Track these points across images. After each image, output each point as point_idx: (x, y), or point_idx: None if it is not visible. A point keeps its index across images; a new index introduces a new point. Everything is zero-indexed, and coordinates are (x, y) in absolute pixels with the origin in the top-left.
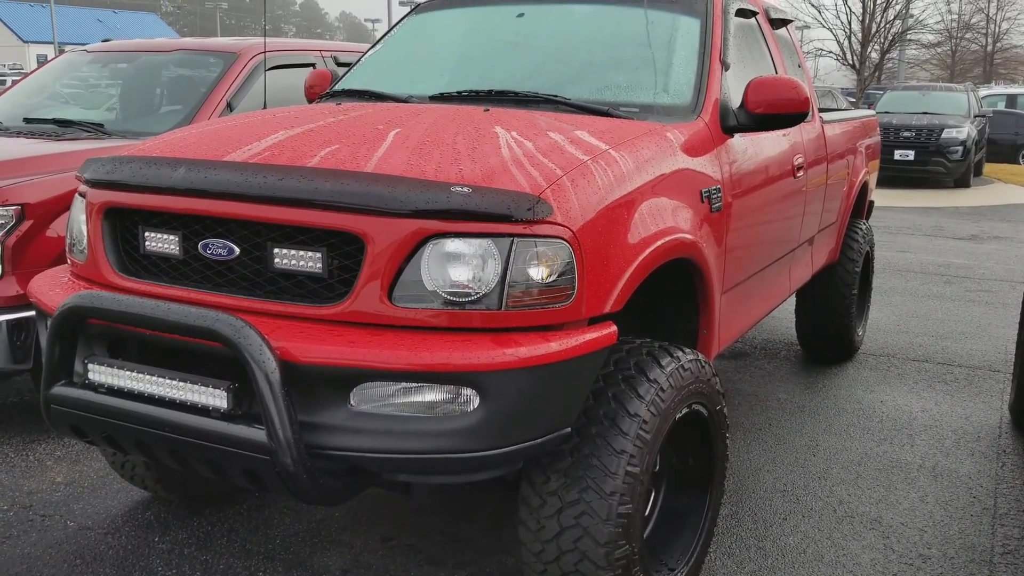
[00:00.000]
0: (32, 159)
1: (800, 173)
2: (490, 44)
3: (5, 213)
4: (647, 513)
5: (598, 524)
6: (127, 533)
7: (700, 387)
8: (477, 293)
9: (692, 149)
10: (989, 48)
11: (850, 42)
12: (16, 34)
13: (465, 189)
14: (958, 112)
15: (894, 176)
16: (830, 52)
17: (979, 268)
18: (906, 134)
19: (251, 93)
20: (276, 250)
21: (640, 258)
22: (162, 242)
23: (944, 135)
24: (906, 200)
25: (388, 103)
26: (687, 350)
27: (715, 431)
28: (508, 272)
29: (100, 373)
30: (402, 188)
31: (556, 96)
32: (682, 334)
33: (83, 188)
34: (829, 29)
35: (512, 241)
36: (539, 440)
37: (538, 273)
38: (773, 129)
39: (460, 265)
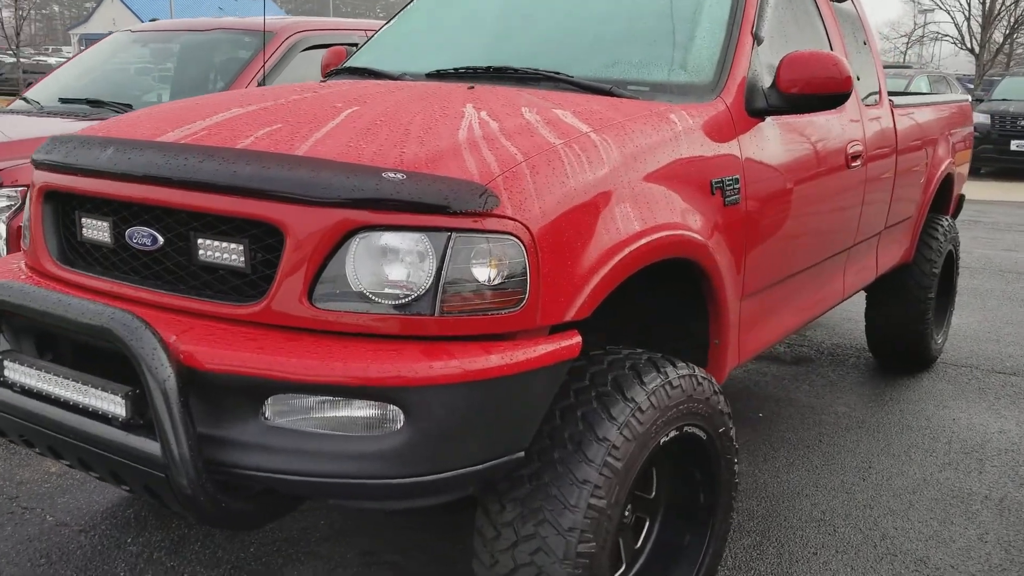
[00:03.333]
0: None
1: (856, 163)
2: (499, 19)
3: (12, 194)
4: (639, 545)
5: (554, 564)
6: (102, 532)
7: (695, 407)
8: (408, 295)
9: (703, 133)
10: None
11: (969, 25)
12: (136, 15)
13: (398, 175)
14: None
15: (1009, 168)
16: (946, 36)
17: None
18: None
19: (286, 72)
20: (199, 241)
21: (618, 258)
22: (96, 229)
23: None
24: (1020, 194)
25: (375, 81)
26: (680, 364)
27: (717, 456)
28: (443, 272)
29: (15, 371)
30: (326, 173)
31: (557, 73)
32: (694, 344)
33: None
34: (946, 11)
35: (449, 237)
36: (480, 466)
37: (481, 274)
38: (810, 112)
39: (390, 263)
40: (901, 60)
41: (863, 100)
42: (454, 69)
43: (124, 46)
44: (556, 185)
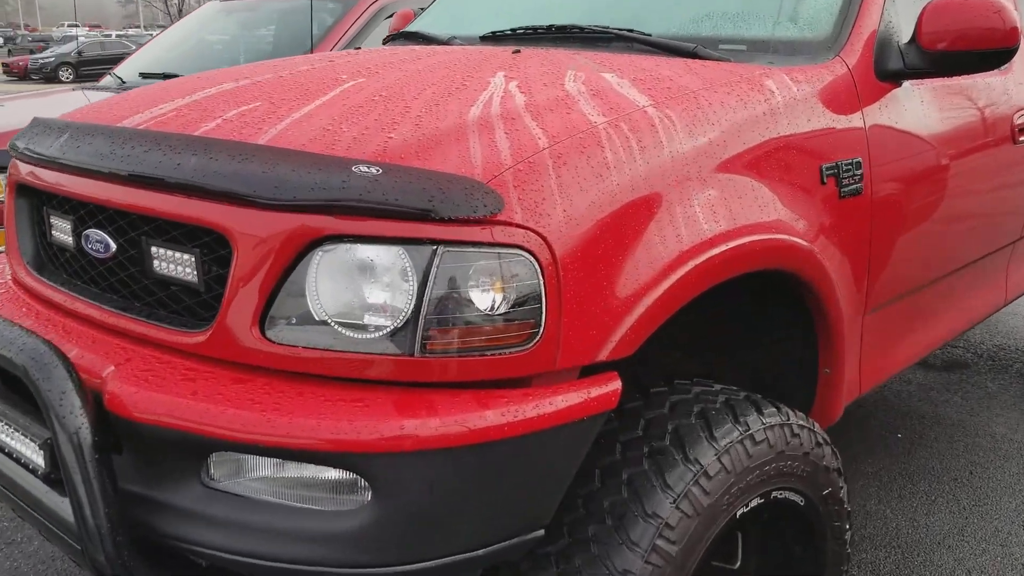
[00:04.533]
0: None
1: None
2: None
3: None
4: None
5: None
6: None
7: (788, 465)
8: (381, 328)
9: (812, 104)
10: None
11: None
12: None
13: (372, 170)
14: None
15: None
16: None
17: None
18: None
19: (371, 40)
20: (152, 249)
21: (678, 275)
22: (61, 230)
23: None
24: None
25: (413, 47)
26: (769, 408)
27: (821, 525)
28: (426, 298)
29: None
30: (283, 167)
31: (631, 31)
32: (796, 373)
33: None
34: None
35: (434, 251)
36: (479, 552)
37: (479, 301)
38: (961, 73)
39: (360, 284)
40: None
41: None
42: (511, 30)
43: (212, 17)
44: (590, 180)
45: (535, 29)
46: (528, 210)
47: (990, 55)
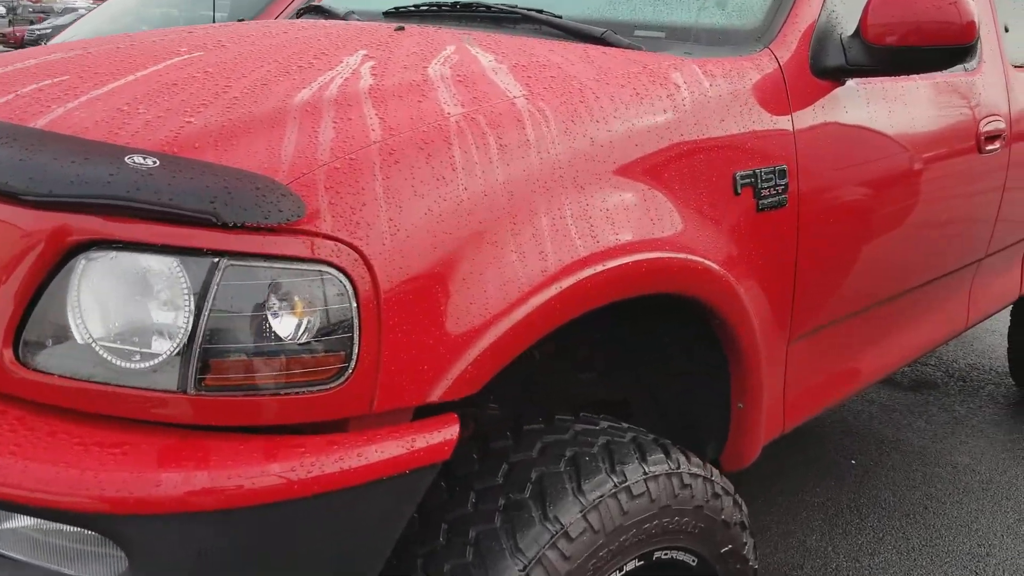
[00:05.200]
0: None
1: (995, 145)
2: None
3: None
4: None
5: None
6: None
7: (675, 522)
8: (153, 356)
9: (729, 103)
10: None
11: None
12: None
13: (148, 162)
14: None
15: None
16: None
17: None
18: None
19: None
20: None
21: (536, 302)
22: None
23: None
24: None
25: (303, 20)
26: (656, 453)
27: None
28: (202, 322)
29: None
30: (45, 156)
31: (540, 11)
32: (712, 406)
33: None
34: None
35: (215, 264)
36: None
37: (275, 327)
38: (911, 72)
39: (129, 301)
40: None
41: (1012, 60)
42: (415, 6)
43: None
44: (429, 184)
45: (439, 6)
46: (341, 218)
47: (945, 52)
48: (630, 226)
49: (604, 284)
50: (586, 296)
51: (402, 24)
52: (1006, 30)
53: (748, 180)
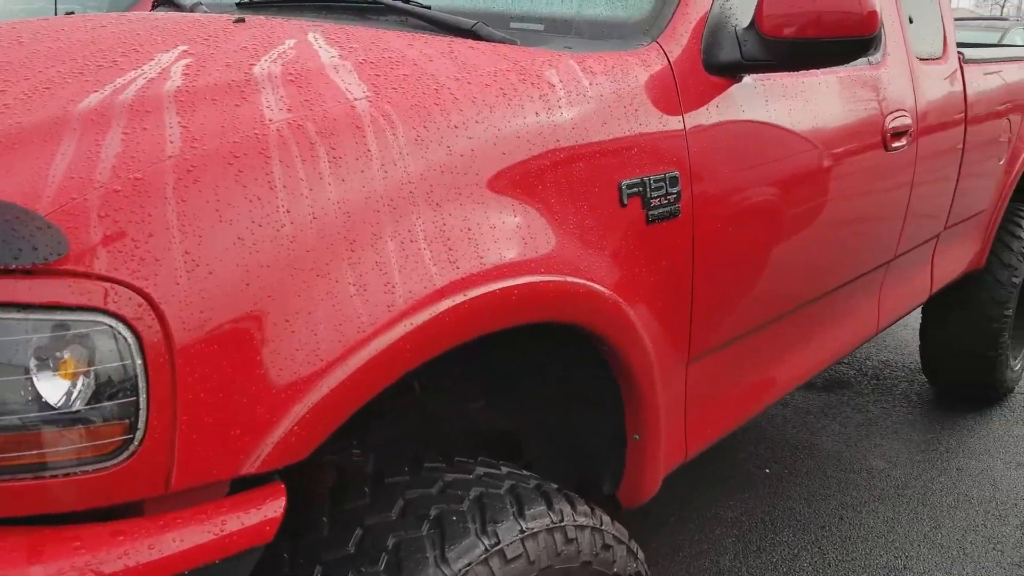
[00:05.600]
0: None
1: (901, 142)
2: None
3: None
4: None
5: None
6: None
7: None
8: None
9: (613, 102)
10: None
11: None
12: None
13: None
14: None
15: None
16: None
17: None
18: None
19: None
20: None
21: (379, 344)
22: None
23: None
24: None
25: (156, 13)
26: (537, 506)
27: None
28: None
29: None
30: None
31: (407, 1)
32: (608, 436)
33: None
34: None
35: None
36: None
37: (46, 391)
38: (812, 67)
39: None
40: (999, 13)
41: (917, 53)
42: None
43: None
44: (239, 207)
45: None
46: (120, 253)
47: (846, 45)
48: (498, 247)
49: (467, 317)
50: (445, 333)
51: (244, 16)
52: (910, 21)
53: (636, 189)
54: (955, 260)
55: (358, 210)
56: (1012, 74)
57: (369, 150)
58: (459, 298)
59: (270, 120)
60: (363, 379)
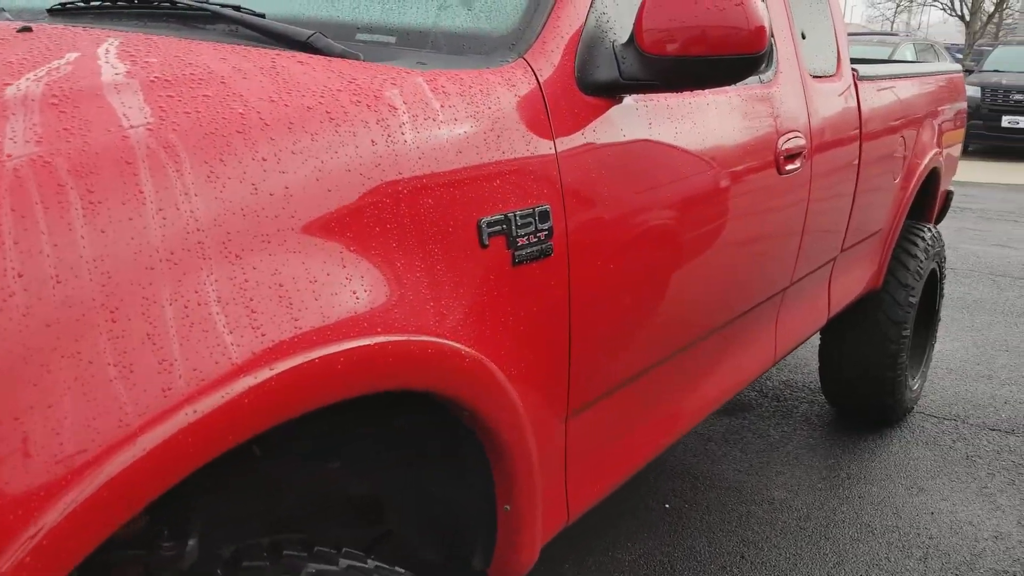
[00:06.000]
0: None
1: (795, 164)
2: None
3: None
4: None
5: None
6: None
7: None
8: None
9: (470, 127)
10: None
11: None
12: None
13: None
14: None
15: (1000, 147)
16: (935, 1)
17: None
18: (1018, 97)
19: None
20: None
21: (149, 441)
22: None
23: None
24: (1011, 176)
25: None
26: None
27: None
28: None
29: None
30: None
31: (237, 8)
32: (477, 506)
33: None
34: None
35: None
36: None
37: None
38: (697, 87)
39: None
40: (889, 28)
41: (811, 70)
42: (85, 2)
43: None
44: None
45: (115, 1)
46: None
47: (733, 63)
48: (319, 306)
49: (277, 397)
50: (244, 419)
51: (31, 25)
52: (803, 37)
53: (498, 227)
54: (853, 282)
55: (123, 269)
56: (905, 90)
57: (142, 191)
58: (264, 374)
59: (8, 156)
60: (129, 486)
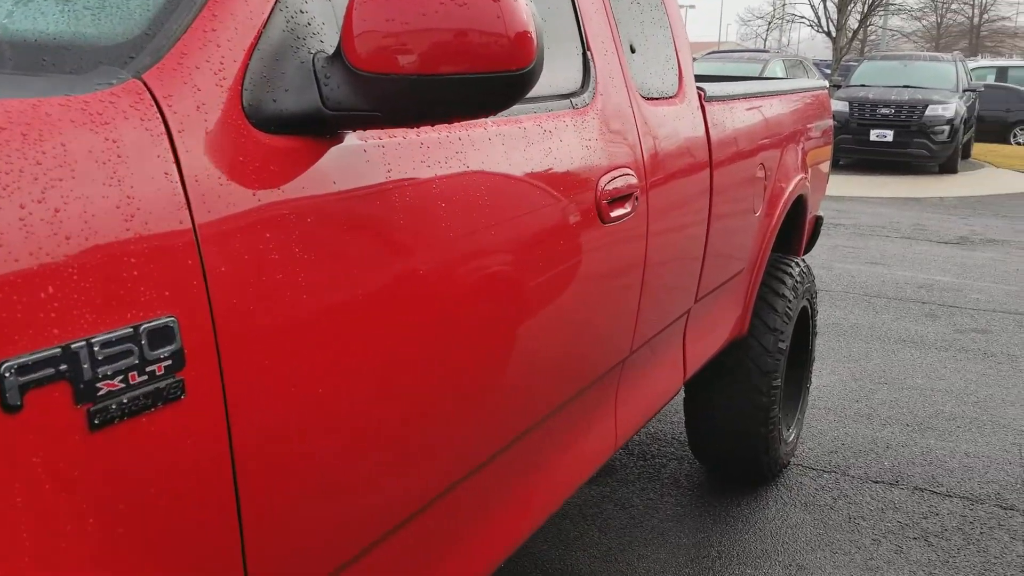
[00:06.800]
0: None
1: (625, 209)
2: None
3: None
4: None
5: None
6: None
7: None
8: None
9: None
10: (976, 20)
11: (825, 7)
12: None
13: None
14: (945, 86)
15: (869, 160)
16: (803, 18)
17: (971, 290)
18: (884, 111)
19: None
20: None
21: None
22: None
23: (928, 112)
24: (882, 189)
25: None
26: None
27: None
28: None
29: None
30: None
31: None
32: None
33: None
34: None
35: None
36: None
37: None
38: (431, 120)
39: None
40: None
41: (643, 91)
42: None
43: None
44: None
45: None
46: None
47: (483, 85)
48: None
49: None
50: None
51: None
52: (632, 51)
53: (47, 372)
54: (713, 334)
55: None
56: (764, 110)
57: None
58: None
59: None
60: None
